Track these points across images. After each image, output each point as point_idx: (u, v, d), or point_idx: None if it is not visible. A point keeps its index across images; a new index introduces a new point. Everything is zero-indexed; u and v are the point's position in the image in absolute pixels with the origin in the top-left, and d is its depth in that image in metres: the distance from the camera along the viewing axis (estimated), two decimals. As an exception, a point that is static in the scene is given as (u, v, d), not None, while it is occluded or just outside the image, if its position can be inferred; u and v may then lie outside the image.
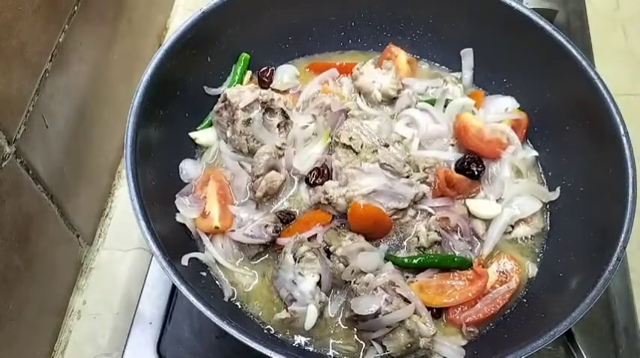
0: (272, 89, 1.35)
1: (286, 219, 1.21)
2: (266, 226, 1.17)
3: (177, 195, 1.21)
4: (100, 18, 1.26)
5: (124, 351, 1.21)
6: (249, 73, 1.38)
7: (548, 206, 1.27)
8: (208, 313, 0.94)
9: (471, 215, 1.23)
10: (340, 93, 1.38)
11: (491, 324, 1.15)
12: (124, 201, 1.35)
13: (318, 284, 1.10)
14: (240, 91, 1.27)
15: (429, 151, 1.30)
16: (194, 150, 1.31)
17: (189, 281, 0.99)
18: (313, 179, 1.22)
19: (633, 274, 1.30)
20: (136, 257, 1.30)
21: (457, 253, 1.19)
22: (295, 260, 1.11)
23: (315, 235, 1.17)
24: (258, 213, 1.22)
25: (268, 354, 0.92)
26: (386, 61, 1.39)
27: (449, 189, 1.22)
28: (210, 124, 1.32)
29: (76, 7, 1.14)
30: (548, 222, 1.25)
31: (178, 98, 1.24)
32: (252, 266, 1.19)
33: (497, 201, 1.25)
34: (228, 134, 1.27)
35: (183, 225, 1.18)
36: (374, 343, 1.09)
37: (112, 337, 1.22)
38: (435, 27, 1.39)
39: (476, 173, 1.24)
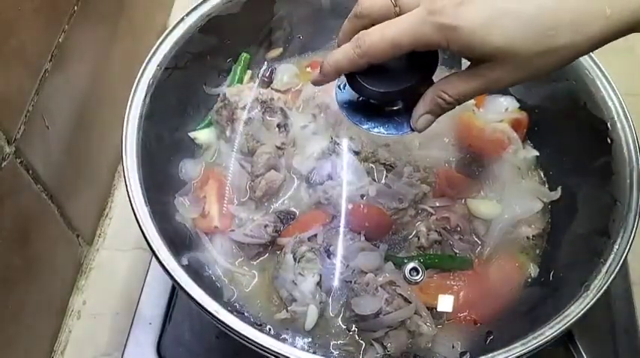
0: (272, 89, 1.35)
1: (286, 218, 1.20)
2: (266, 226, 1.16)
3: (176, 195, 1.21)
4: (100, 17, 1.25)
5: (123, 351, 1.21)
6: (249, 72, 1.38)
7: (549, 206, 1.26)
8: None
9: (471, 215, 1.23)
10: (340, 93, 1.37)
11: (491, 324, 1.15)
12: (124, 201, 1.35)
13: (319, 284, 1.10)
14: (239, 90, 1.27)
15: (429, 151, 1.30)
16: (194, 150, 1.31)
17: (189, 282, 0.98)
18: (313, 179, 1.22)
19: (633, 274, 1.30)
20: (136, 257, 1.30)
21: (457, 253, 1.19)
22: (295, 260, 1.11)
23: (315, 235, 1.16)
24: (257, 212, 1.21)
25: (268, 355, 0.92)
26: (386, 60, 1.39)
27: (449, 189, 1.22)
28: (210, 124, 1.32)
29: (75, 7, 1.14)
30: (549, 221, 1.25)
31: (178, 98, 1.24)
32: (251, 266, 1.19)
33: (497, 200, 1.24)
34: (228, 133, 1.27)
35: (183, 224, 1.18)
36: (374, 343, 1.08)
37: (112, 337, 1.22)
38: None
39: (476, 173, 1.24)
